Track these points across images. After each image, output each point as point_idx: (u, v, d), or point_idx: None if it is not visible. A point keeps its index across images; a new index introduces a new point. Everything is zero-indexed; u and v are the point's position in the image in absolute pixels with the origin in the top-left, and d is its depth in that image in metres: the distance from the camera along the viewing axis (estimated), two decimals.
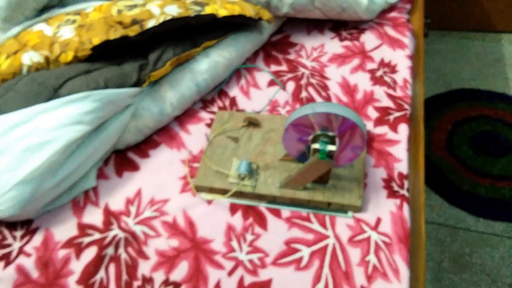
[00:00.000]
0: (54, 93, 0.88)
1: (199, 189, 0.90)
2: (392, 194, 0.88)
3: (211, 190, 0.89)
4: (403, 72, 1.12)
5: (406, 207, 0.86)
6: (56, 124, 0.84)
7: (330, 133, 0.80)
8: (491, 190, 1.53)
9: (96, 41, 0.94)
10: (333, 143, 0.81)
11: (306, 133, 0.81)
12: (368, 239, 0.82)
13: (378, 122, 1.01)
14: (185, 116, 1.03)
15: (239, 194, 0.88)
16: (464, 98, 1.82)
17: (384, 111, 1.03)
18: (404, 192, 0.88)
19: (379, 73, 1.12)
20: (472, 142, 1.67)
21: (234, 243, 0.82)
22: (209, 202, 0.88)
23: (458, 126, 1.72)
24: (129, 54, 0.98)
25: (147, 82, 0.95)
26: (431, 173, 1.59)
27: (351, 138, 0.81)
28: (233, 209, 0.87)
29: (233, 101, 1.07)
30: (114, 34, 0.94)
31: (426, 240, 1.43)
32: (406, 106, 1.04)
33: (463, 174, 1.58)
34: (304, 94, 1.08)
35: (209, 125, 1.01)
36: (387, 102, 1.05)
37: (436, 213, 1.49)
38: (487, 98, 1.81)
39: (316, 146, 0.80)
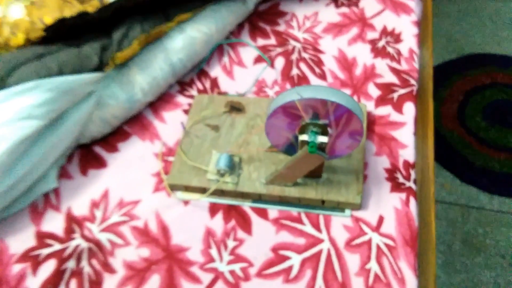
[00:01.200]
0: (0, 83, 0.76)
1: (174, 187, 0.78)
2: (397, 187, 0.76)
3: (188, 188, 0.78)
4: (409, 41, 0.99)
5: (413, 203, 0.74)
6: (2, 120, 0.72)
7: (321, 122, 0.67)
8: (506, 164, 1.45)
9: (49, 20, 0.81)
10: (324, 133, 0.68)
11: (295, 116, 0.68)
12: (368, 242, 0.71)
13: (380, 101, 0.89)
14: (160, 102, 0.91)
15: (219, 193, 0.77)
16: (476, 65, 1.72)
17: (387, 88, 0.91)
18: (410, 184, 0.77)
19: (381, 44, 0.99)
20: (486, 112, 1.58)
21: (214, 251, 0.71)
22: (186, 202, 0.77)
23: (470, 96, 1.63)
24: (90, 34, 0.85)
25: (111, 65, 0.83)
26: (441, 148, 1.51)
27: (348, 123, 0.69)
28: (213, 210, 0.76)
29: (214, 83, 0.94)
30: (70, 11, 0.82)
31: (436, 222, 1.33)
32: (413, 82, 0.91)
33: (475, 148, 1.50)
34: (295, 71, 0.95)
35: (187, 112, 0.89)
36: (390, 78, 0.93)
37: (446, 191, 1.41)
38: (501, 63, 1.72)
39: (304, 137, 0.68)
